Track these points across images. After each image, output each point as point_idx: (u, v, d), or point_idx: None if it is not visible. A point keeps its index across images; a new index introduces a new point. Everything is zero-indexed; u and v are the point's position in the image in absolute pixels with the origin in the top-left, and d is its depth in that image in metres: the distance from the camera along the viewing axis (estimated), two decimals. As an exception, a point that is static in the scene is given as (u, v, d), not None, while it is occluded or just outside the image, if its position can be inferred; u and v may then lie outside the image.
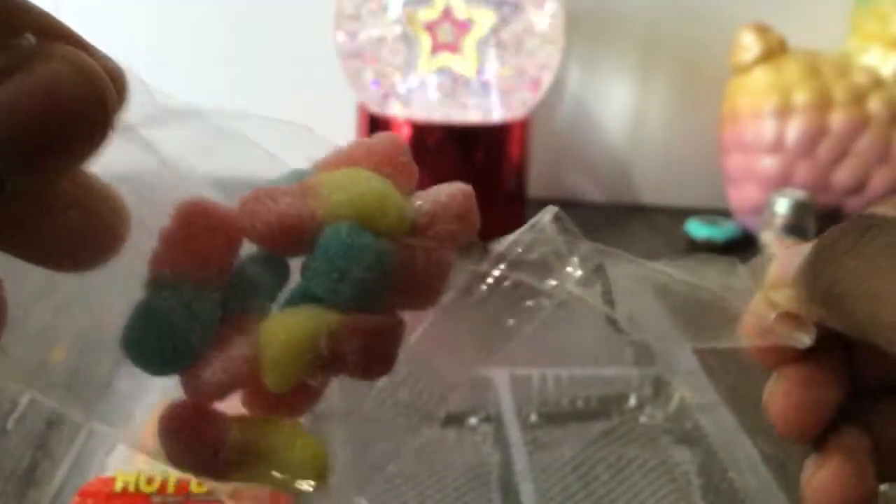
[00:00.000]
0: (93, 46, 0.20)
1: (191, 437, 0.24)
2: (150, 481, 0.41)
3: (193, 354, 0.23)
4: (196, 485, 0.42)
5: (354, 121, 0.87)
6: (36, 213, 0.20)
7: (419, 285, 0.24)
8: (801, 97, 0.86)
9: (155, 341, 0.23)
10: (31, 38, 0.18)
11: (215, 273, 0.23)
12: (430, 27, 0.80)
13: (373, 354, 0.24)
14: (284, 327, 0.23)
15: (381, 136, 0.26)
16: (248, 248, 0.24)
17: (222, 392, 0.23)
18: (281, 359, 0.23)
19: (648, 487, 0.50)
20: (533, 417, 0.56)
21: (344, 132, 0.89)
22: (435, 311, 0.26)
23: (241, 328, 0.23)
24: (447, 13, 0.80)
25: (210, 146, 0.25)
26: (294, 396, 0.24)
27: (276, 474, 0.24)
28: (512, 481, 0.47)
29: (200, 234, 0.23)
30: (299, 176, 0.25)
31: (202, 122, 0.24)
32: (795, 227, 0.83)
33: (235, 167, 0.25)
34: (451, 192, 0.25)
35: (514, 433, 0.51)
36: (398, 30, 0.80)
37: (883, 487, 0.51)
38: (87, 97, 0.18)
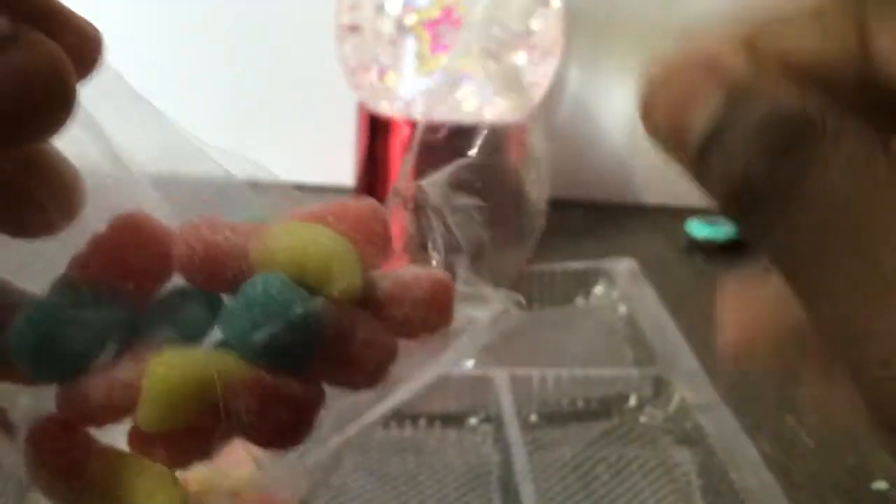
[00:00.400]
0: (71, 13, 0.21)
1: (48, 456, 0.22)
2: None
3: (74, 366, 0.21)
4: (196, 485, 0.42)
5: (354, 121, 0.87)
6: None
7: (350, 362, 0.22)
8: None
9: (34, 338, 0.21)
10: (2, 23, 0.19)
11: (130, 290, 0.22)
12: (430, 27, 0.80)
13: (270, 420, 0.21)
14: (171, 362, 0.21)
15: (363, 202, 0.24)
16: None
17: (93, 413, 0.21)
18: (156, 395, 0.20)
19: (648, 487, 0.50)
20: (533, 417, 0.56)
21: (344, 132, 0.89)
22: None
23: (138, 355, 0.21)
24: (447, 13, 0.80)
25: (154, 138, 0.23)
26: (176, 442, 0.22)
27: None
28: (512, 481, 0.47)
29: (127, 246, 0.22)
30: (259, 219, 0.23)
31: (154, 113, 0.23)
32: (796, 227, 0.82)
33: (176, 162, 0.24)
34: (419, 276, 0.23)
35: (514, 433, 0.51)
36: (398, 30, 0.80)
37: (883, 486, 0.51)
38: (49, 86, 0.19)
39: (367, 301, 0.22)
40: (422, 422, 0.56)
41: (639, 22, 0.97)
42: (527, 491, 0.46)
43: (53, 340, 0.21)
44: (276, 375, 0.21)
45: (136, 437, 0.22)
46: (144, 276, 0.22)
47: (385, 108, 0.83)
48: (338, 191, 0.94)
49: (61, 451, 0.22)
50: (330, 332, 0.22)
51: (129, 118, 0.23)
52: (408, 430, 0.55)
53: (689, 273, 0.83)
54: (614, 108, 1.00)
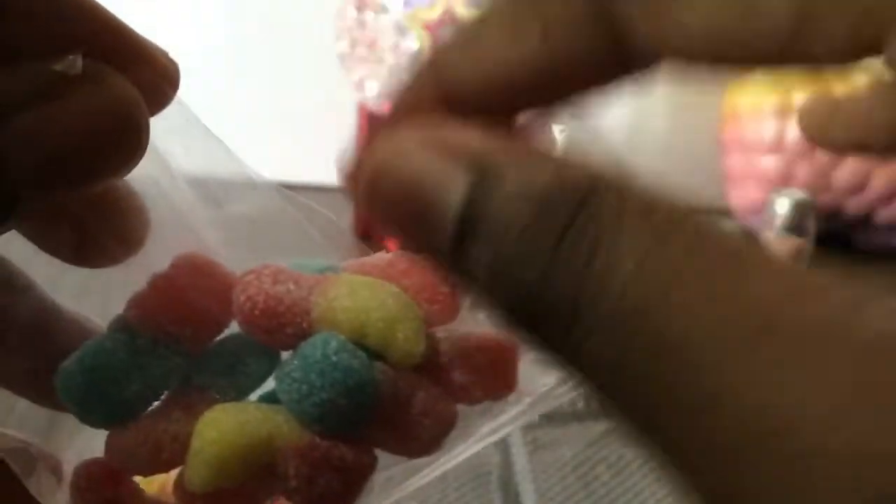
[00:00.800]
0: (145, 44, 0.20)
1: (93, 501, 0.21)
2: (150, 482, 0.41)
3: (124, 413, 0.21)
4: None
5: (354, 121, 0.87)
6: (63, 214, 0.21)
7: (406, 431, 0.21)
8: (801, 97, 0.86)
9: (84, 383, 0.20)
10: (77, 62, 0.18)
11: (188, 335, 0.21)
12: (430, 27, 0.80)
13: (319, 485, 0.20)
14: (223, 426, 0.20)
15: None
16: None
17: (140, 465, 0.21)
18: (206, 458, 0.20)
19: (648, 488, 0.50)
20: (533, 417, 0.56)
21: (344, 132, 0.89)
22: None
23: (191, 405, 0.21)
24: (447, 13, 0.80)
25: (190, 144, 0.23)
26: (220, 501, 0.21)
27: None
28: (512, 481, 0.47)
29: (188, 290, 0.21)
30: (324, 269, 0.22)
31: (186, 118, 0.22)
32: (796, 227, 0.83)
33: (235, 195, 0.23)
34: (484, 340, 0.22)
35: (514, 433, 0.51)
36: (398, 30, 0.80)
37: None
38: (120, 127, 0.18)
39: (429, 364, 0.22)
40: (422, 422, 0.56)
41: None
42: (527, 491, 0.46)
43: (105, 387, 0.20)
44: (329, 440, 0.20)
45: (180, 490, 0.21)
46: (203, 323, 0.22)
47: (385, 109, 0.83)
48: (338, 190, 0.93)
49: (106, 499, 0.21)
50: (387, 399, 0.21)
51: (197, 152, 0.23)
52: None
53: (689, 273, 0.83)
54: (614, 108, 0.99)
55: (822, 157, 0.86)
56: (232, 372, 0.22)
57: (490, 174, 0.15)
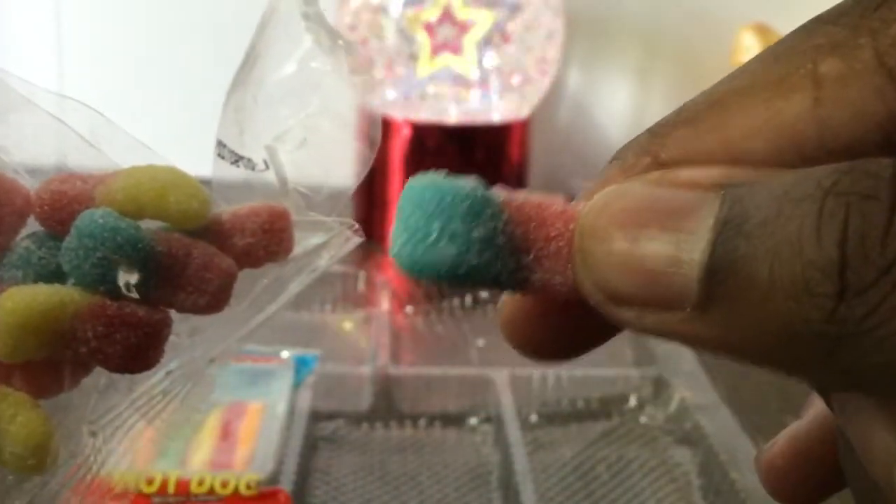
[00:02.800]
0: None
1: None
2: (150, 482, 0.41)
3: None
4: (196, 485, 0.42)
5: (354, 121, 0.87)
6: None
7: (190, 286, 0.24)
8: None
9: None
10: None
11: None
12: (430, 27, 0.80)
13: (118, 343, 0.23)
14: (18, 296, 0.22)
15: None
16: None
17: None
18: (6, 327, 0.22)
19: (649, 487, 0.50)
20: (533, 417, 0.56)
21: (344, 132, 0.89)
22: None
23: None
24: (447, 13, 0.80)
25: (44, 138, 0.25)
26: (33, 372, 0.23)
27: None
28: (512, 481, 0.47)
29: None
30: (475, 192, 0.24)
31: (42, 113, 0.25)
32: (795, 227, 0.82)
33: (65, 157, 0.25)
34: (256, 208, 0.25)
35: (514, 433, 0.51)
36: (398, 30, 0.80)
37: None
38: None
39: (209, 234, 0.25)
40: (422, 422, 0.56)
41: (639, 22, 0.97)
42: (527, 491, 0.46)
43: None
44: (119, 302, 0.23)
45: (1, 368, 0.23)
46: (1, 226, 0.24)
47: (385, 109, 0.83)
48: (338, 190, 0.93)
49: None
50: (164, 257, 0.23)
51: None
52: (408, 430, 0.55)
53: (689, 273, 0.83)
54: (614, 108, 1.00)
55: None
56: (27, 263, 0.24)
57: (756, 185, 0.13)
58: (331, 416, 0.55)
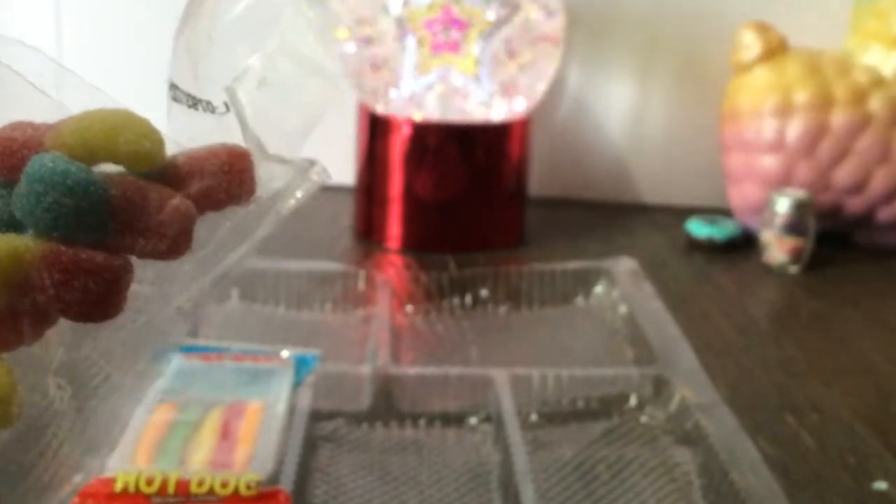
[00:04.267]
0: None
1: None
2: (150, 482, 0.41)
3: None
4: (196, 485, 0.42)
5: (354, 121, 0.87)
6: None
7: (148, 230, 0.23)
8: (801, 96, 0.86)
9: None
10: None
11: None
12: (430, 27, 0.80)
13: (77, 291, 0.22)
14: None
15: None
16: None
17: None
18: None
19: (649, 487, 0.50)
20: (533, 417, 0.56)
21: (344, 132, 0.89)
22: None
23: None
24: (447, 13, 0.80)
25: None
26: None
27: None
28: (512, 481, 0.47)
29: None
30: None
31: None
32: (796, 227, 0.83)
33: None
34: (215, 149, 0.24)
35: (514, 433, 0.51)
36: (398, 30, 0.80)
37: (883, 486, 0.51)
38: None
39: (166, 177, 0.24)
40: (422, 422, 0.56)
41: (639, 22, 0.97)
42: (527, 491, 0.46)
43: None
44: (76, 248, 0.22)
45: None
46: None
47: (385, 108, 0.83)
48: (338, 190, 0.94)
49: None
50: (118, 201, 0.23)
51: None
52: (408, 430, 0.55)
53: (689, 273, 0.83)
54: (614, 108, 1.00)
55: (822, 156, 0.86)
56: None
57: None
58: (331, 416, 0.55)
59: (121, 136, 0.23)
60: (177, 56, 0.26)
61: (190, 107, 0.26)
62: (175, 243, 0.23)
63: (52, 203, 0.22)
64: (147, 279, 0.24)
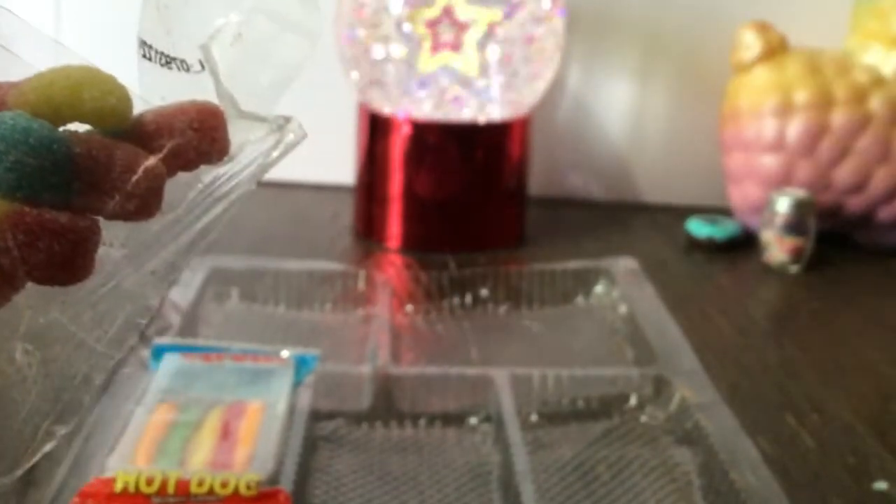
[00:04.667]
0: None
1: None
2: (149, 482, 0.41)
3: None
4: (196, 485, 0.42)
5: (354, 121, 0.87)
6: None
7: (115, 190, 0.22)
8: (801, 96, 0.86)
9: None
10: None
11: None
12: (431, 26, 0.80)
13: (43, 252, 0.21)
14: None
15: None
16: None
17: None
18: None
19: (649, 487, 0.50)
20: (533, 417, 0.56)
21: (344, 132, 0.89)
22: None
23: None
24: (447, 12, 0.80)
25: None
26: None
27: None
28: (512, 481, 0.47)
29: None
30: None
31: None
32: (796, 226, 0.83)
33: None
34: (185, 106, 0.24)
35: (514, 433, 0.51)
36: (399, 29, 0.80)
37: (883, 486, 0.51)
38: None
39: (133, 136, 0.23)
40: (422, 422, 0.56)
41: (639, 22, 0.97)
42: (527, 491, 0.46)
43: None
44: (40, 209, 0.22)
45: None
46: None
47: (385, 108, 0.83)
48: (338, 190, 0.94)
49: None
50: (83, 159, 0.22)
51: None
52: (408, 430, 0.55)
53: (689, 272, 0.83)
54: (614, 107, 0.99)
55: (822, 155, 0.86)
56: None
57: None
58: (331, 416, 0.55)
59: (85, 93, 0.22)
60: (147, 13, 0.25)
61: (163, 66, 0.25)
62: (144, 203, 0.23)
63: (14, 162, 0.21)
64: (118, 242, 0.23)
